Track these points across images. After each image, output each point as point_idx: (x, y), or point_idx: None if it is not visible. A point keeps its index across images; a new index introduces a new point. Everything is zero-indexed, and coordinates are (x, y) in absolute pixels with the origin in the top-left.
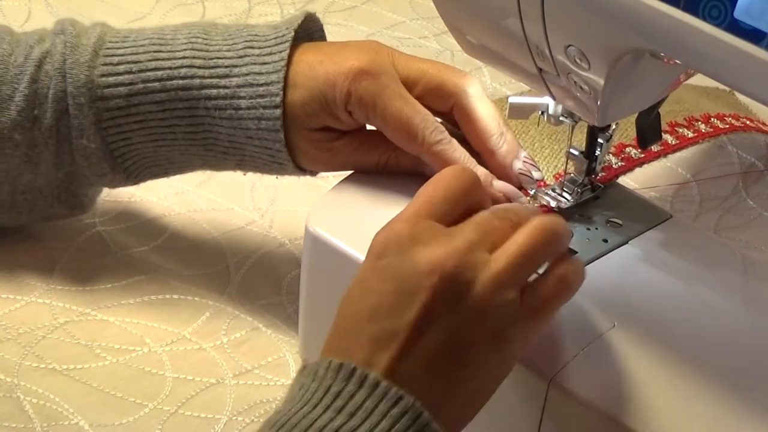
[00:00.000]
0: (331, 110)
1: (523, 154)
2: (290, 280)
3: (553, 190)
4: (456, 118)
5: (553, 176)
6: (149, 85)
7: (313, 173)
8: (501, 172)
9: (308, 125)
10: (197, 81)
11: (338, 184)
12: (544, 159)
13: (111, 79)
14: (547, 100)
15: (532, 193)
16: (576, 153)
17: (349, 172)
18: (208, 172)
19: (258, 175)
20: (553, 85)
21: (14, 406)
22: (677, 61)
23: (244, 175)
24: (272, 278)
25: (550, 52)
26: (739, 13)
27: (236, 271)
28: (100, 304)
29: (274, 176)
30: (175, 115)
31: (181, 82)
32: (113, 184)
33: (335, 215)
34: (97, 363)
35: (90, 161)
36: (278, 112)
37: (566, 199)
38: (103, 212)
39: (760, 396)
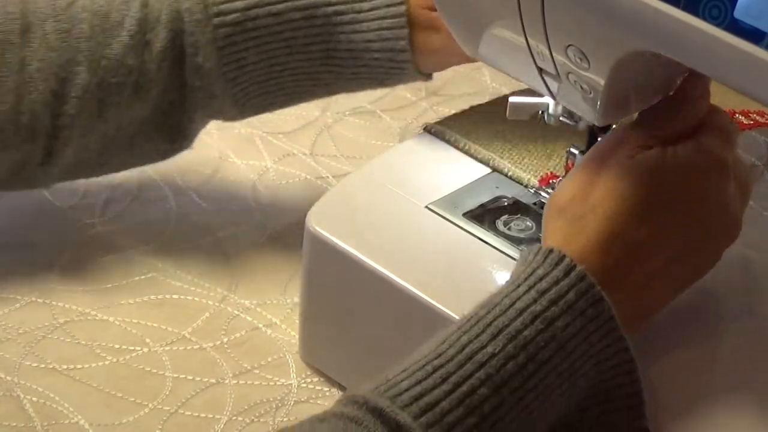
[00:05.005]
0: None
1: None
2: (290, 280)
3: (554, 189)
4: None
5: (538, 180)
6: None
7: (428, 77)
8: None
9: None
10: None
11: (338, 184)
12: (539, 159)
13: None
14: (547, 100)
15: (533, 192)
16: (576, 152)
17: (349, 171)
18: (208, 172)
19: (258, 175)
20: (553, 85)
21: (14, 405)
22: (678, 61)
23: (355, 92)
24: (272, 278)
25: (550, 52)
26: (739, 13)
27: (236, 272)
28: (100, 304)
29: (275, 177)
30: (292, 26)
31: None
32: (220, 113)
33: (335, 215)
34: (97, 363)
35: (203, 81)
36: (403, 8)
37: None
38: (103, 212)
39: (756, 397)
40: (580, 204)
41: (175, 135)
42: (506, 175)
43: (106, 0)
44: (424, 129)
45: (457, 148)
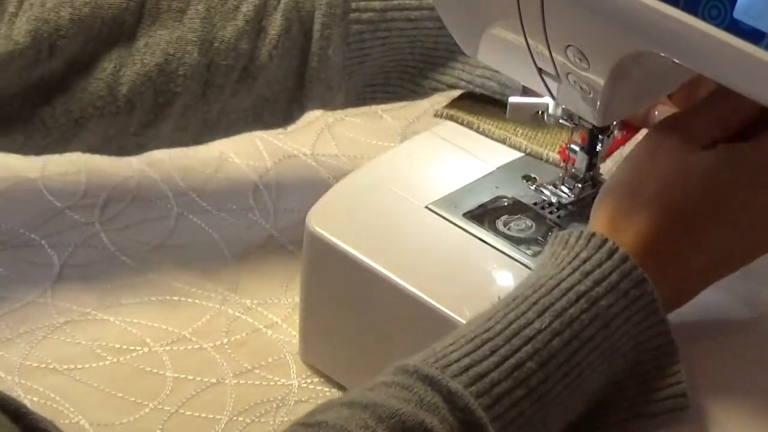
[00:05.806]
0: None
1: None
2: (290, 280)
3: (554, 186)
4: None
5: (558, 152)
6: (405, 2)
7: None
8: None
9: None
10: None
11: (338, 184)
12: (551, 133)
13: None
14: (547, 100)
15: (533, 188)
16: (576, 149)
17: (350, 171)
18: (208, 172)
19: (258, 175)
20: (553, 85)
21: None
22: (677, 61)
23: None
24: (272, 278)
25: (550, 52)
26: (738, 13)
27: (236, 272)
28: (100, 304)
29: (275, 177)
30: (423, 33)
31: None
32: (329, 104)
33: (335, 215)
34: (97, 363)
35: (326, 74)
36: None
37: (566, 194)
38: (103, 212)
39: (757, 398)
40: (634, 196)
41: (277, 121)
42: (525, 152)
43: None
44: (435, 115)
45: (471, 129)
